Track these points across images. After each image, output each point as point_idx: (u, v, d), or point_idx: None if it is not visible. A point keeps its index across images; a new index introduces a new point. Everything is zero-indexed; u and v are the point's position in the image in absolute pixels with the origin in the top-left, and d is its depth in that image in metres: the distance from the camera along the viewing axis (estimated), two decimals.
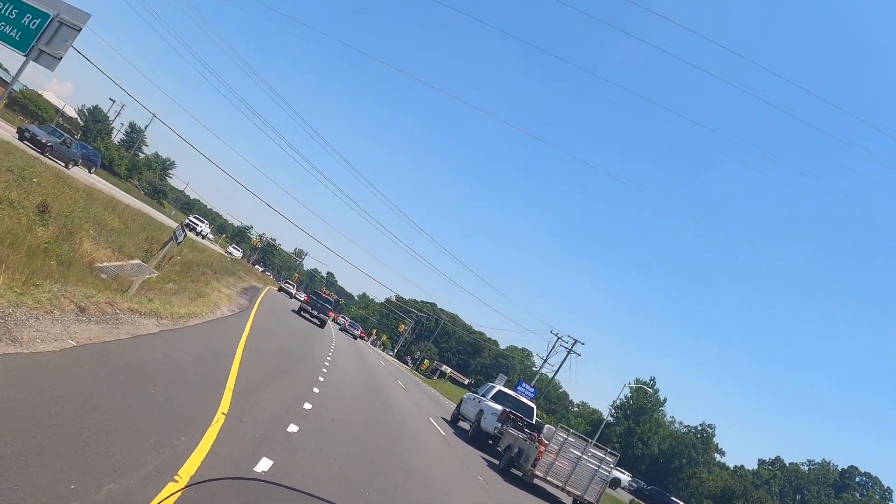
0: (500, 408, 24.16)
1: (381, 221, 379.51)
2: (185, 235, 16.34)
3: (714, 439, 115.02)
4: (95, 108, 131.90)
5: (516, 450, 20.10)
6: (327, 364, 24.23)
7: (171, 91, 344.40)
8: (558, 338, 72.80)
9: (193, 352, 11.94)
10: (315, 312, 44.84)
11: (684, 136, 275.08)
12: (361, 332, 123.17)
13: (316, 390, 15.72)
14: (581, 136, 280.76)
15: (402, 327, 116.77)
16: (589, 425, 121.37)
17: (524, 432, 21.37)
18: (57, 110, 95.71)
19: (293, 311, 47.38)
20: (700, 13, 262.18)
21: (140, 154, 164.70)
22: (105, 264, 15.12)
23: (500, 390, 27.79)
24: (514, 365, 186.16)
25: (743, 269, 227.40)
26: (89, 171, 47.72)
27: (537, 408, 67.92)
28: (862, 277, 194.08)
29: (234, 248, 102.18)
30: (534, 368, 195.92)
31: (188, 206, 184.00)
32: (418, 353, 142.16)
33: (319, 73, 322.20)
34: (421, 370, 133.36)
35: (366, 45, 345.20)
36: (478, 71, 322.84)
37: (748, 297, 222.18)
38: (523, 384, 70.22)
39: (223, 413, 8.45)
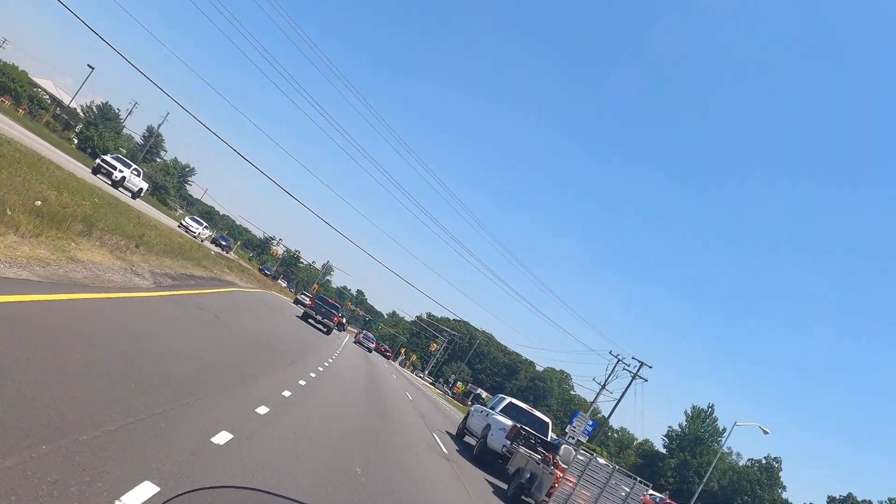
0: (509, 422, 20.94)
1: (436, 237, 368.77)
2: None
3: (780, 474, 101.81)
4: (105, 104, 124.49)
5: (528, 475, 16.86)
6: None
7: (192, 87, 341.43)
8: (618, 360, 61.32)
9: None
10: (320, 318, 41.56)
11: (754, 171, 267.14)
12: (384, 349, 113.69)
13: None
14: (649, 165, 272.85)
15: (433, 346, 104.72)
16: (639, 457, 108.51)
17: (538, 453, 18.99)
18: (53, 99, 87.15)
19: (297, 316, 43.09)
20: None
21: (157, 159, 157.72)
22: None
23: (510, 402, 24.24)
24: (552, 388, 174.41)
25: (823, 298, 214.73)
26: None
27: (591, 440, 55.17)
28: None
29: (193, 219, 69.94)
30: (572, 392, 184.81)
31: (209, 215, 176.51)
32: (453, 376, 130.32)
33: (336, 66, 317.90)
34: (454, 393, 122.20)
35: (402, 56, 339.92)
36: (522, 88, 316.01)
37: (823, 326, 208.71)
38: (579, 415, 59.09)
39: None
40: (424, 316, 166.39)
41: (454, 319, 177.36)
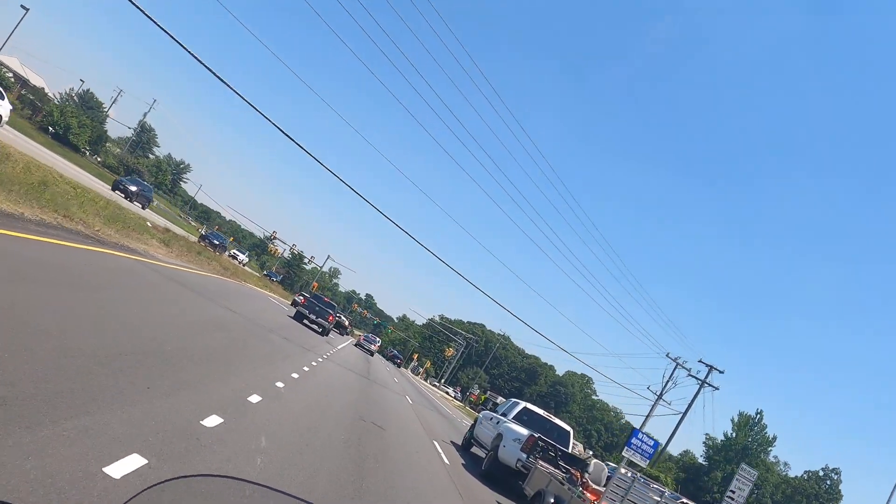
0: (524, 432, 17.51)
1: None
2: None
3: (840, 487, 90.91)
4: (87, 92, 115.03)
5: (551, 499, 12.68)
6: None
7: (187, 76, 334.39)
8: (677, 364, 50.97)
9: None
10: (313, 317, 38.29)
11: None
12: (392, 353, 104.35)
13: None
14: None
15: (449, 351, 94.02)
16: (680, 470, 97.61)
17: (560, 468, 16.00)
18: (18, 78, 77.43)
19: (290, 317, 38.59)
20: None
21: (150, 155, 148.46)
22: None
23: (525, 407, 20.71)
24: (574, 394, 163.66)
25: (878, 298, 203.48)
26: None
27: (652, 465, 44.96)
28: None
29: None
30: (594, 397, 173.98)
31: (206, 215, 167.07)
32: (476, 386, 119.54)
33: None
34: (471, 402, 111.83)
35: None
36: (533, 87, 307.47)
37: (880, 329, 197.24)
38: (639, 434, 48.90)
39: None
40: (437, 319, 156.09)
41: (468, 322, 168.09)
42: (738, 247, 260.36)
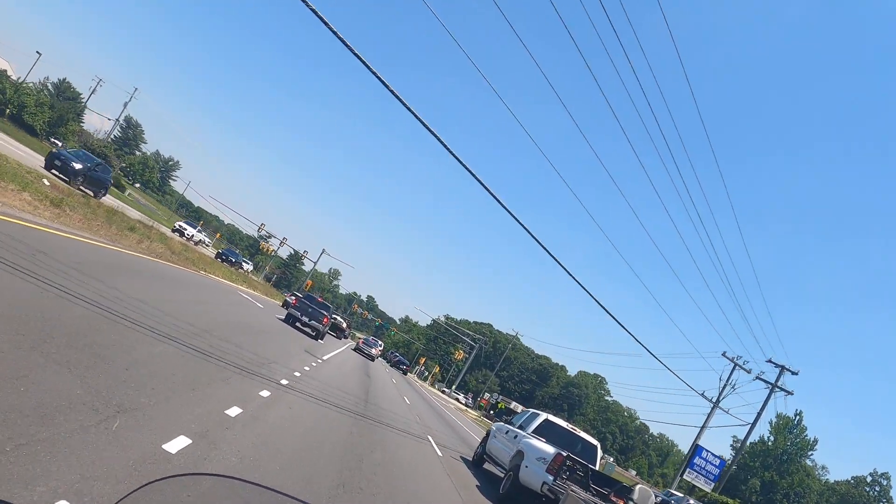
0: (550, 450, 14.90)
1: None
2: None
3: (891, 493, 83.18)
4: (63, 81, 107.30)
5: None
6: None
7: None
8: (736, 365, 43.34)
9: None
10: (306, 319, 34.78)
11: None
12: (396, 358, 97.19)
13: None
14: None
15: (458, 354, 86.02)
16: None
17: (591, 491, 14.17)
18: None
19: (280, 318, 35.28)
20: None
21: (137, 152, 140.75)
22: None
23: (546, 419, 18.10)
24: (588, 395, 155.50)
25: None
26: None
27: (717, 488, 40.90)
28: None
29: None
30: (608, 398, 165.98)
31: (195, 214, 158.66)
32: (487, 391, 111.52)
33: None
34: (481, 406, 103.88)
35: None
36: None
37: None
38: (703, 453, 41.49)
39: None
40: (441, 319, 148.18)
41: (475, 322, 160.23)
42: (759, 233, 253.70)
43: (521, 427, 18.18)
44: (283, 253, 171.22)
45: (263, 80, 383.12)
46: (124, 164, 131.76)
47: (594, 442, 18.28)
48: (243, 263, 75.79)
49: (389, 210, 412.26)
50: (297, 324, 35.30)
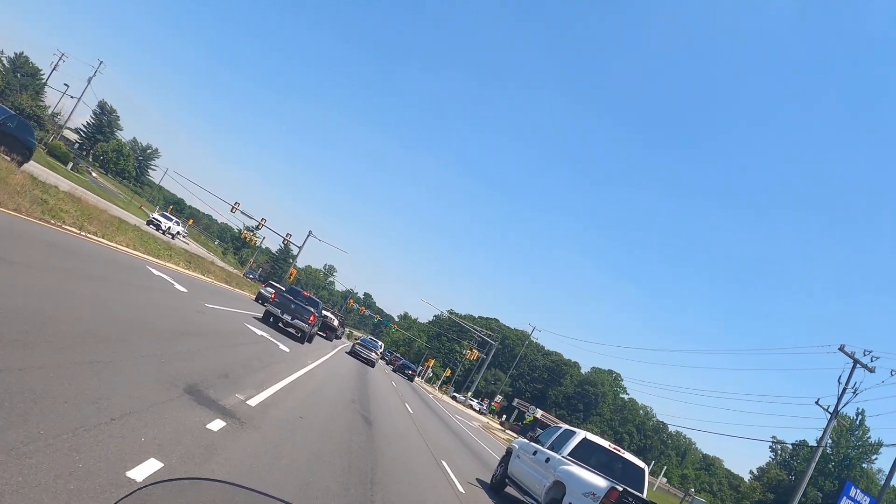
0: (602, 483, 12.20)
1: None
2: None
3: None
4: (19, 56, 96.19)
5: None
6: None
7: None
8: (856, 362, 33.14)
9: None
10: (289, 318, 28.45)
11: None
12: (396, 360, 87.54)
13: None
14: None
15: (472, 353, 74.92)
16: (767, 489, 78.68)
17: None
18: None
19: (256, 318, 28.37)
20: None
21: (112, 139, 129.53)
22: None
23: (585, 439, 15.05)
24: (604, 393, 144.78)
25: None
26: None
27: None
28: None
29: None
30: (623, 396, 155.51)
31: (179, 206, 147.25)
32: (504, 394, 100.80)
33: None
34: (493, 410, 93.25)
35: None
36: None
37: None
38: (852, 491, 31.40)
39: None
40: (445, 315, 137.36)
41: (480, 317, 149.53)
42: None
43: (552, 447, 15.39)
44: (273, 246, 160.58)
45: (253, 75, 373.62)
46: (96, 153, 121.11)
47: (641, 465, 15.48)
48: (173, 226, 61.59)
49: (382, 204, 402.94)
50: (280, 324, 29.14)
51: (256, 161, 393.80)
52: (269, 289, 44.27)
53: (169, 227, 57.86)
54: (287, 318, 28.34)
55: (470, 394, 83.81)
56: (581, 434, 15.29)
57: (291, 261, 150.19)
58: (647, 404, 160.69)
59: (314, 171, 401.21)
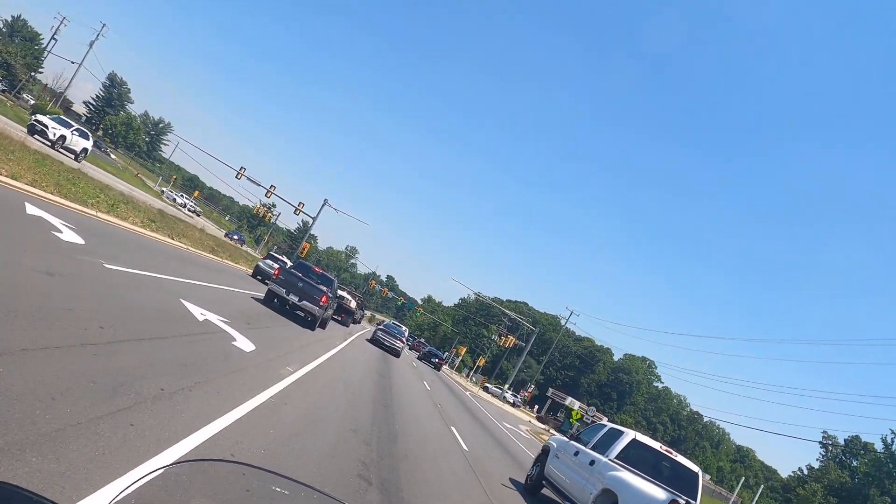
0: (661, 494, 11.03)
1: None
2: None
3: None
4: (17, 18, 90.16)
5: None
6: None
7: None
8: None
9: None
10: (295, 298, 23.36)
11: None
12: (420, 345, 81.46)
13: None
14: None
15: (508, 339, 67.74)
16: (829, 493, 71.20)
17: None
18: None
19: (255, 299, 23.82)
20: None
21: (122, 112, 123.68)
22: None
23: (634, 440, 13.43)
24: (638, 382, 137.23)
25: None
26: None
27: None
28: None
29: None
30: (657, 384, 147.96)
31: (191, 182, 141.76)
32: (535, 383, 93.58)
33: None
34: (525, 401, 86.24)
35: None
36: None
37: None
38: None
39: None
40: (472, 298, 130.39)
41: (508, 300, 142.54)
42: None
43: (595, 448, 13.63)
44: (291, 224, 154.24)
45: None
46: (105, 126, 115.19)
47: (694, 469, 13.47)
48: (47, 121, 38.22)
49: (401, 187, 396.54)
50: (287, 306, 24.14)
51: (271, 142, 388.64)
52: (271, 262, 36.66)
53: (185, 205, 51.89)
54: (294, 298, 23.25)
55: (507, 386, 76.37)
56: (630, 434, 13.74)
57: (310, 239, 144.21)
58: (679, 393, 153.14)
59: (336, 156, 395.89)
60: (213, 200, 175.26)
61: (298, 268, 26.38)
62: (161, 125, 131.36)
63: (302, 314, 24.04)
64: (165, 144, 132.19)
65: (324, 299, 23.77)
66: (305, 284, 23.73)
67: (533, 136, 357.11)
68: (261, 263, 36.85)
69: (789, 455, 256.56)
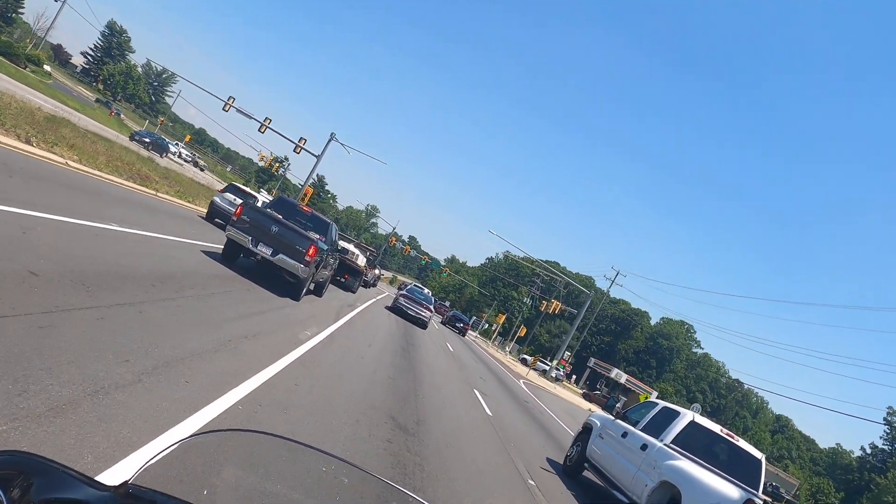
0: (735, 493, 9.55)
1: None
2: None
3: None
4: None
5: None
6: None
7: None
8: None
9: None
10: (267, 252, 15.66)
11: None
12: (443, 309, 74.08)
13: None
14: None
15: (554, 304, 58.82)
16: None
17: None
18: None
19: (209, 254, 16.25)
20: None
21: (123, 62, 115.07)
22: None
23: (692, 423, 11.81)
24: (678, 348, 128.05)
25: None
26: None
27: None
28: None
29: None
30: (696, 350, 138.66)
31: (198, 136, 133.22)
32: (572, 351, 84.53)
33: None
34: (562, 370, 77.58)
35: None
36: None
37: None
38: None
39: None
40: (500, 257, 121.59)
41: (537, 260, 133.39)
42: None
43: (646, 429, 12.02)
44: (302, 173, 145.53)
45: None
46: (102, 76, 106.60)
47: (757, 455, 11.74)
48: None
49: (431, 138, 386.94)
50: (255, 260, 16.27)
51: (286, 89, 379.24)
52: (233, 197, 25.71)
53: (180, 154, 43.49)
54: (265, 251, 15.54)
55: (555, 362, 67.47)
56: (688, 415, 11.88)
57: (325, 194, 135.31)
58: (719, 360, 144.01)
59: (359, 105, 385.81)
60: (229, 160, 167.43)
61: (277, 205, 18.58)
62: (164, 76, 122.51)
63: (287, 276, 16.21)
64: (169, 96, 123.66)
65: (311, 251, 15.74)
66: (282, 229, 15.70)
67: (575, 82, 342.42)
68: (217, 199, 25.63)
69: (828, 426, 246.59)
